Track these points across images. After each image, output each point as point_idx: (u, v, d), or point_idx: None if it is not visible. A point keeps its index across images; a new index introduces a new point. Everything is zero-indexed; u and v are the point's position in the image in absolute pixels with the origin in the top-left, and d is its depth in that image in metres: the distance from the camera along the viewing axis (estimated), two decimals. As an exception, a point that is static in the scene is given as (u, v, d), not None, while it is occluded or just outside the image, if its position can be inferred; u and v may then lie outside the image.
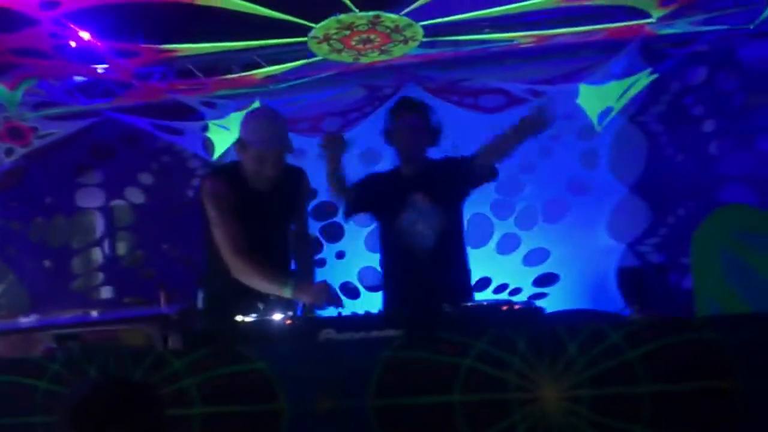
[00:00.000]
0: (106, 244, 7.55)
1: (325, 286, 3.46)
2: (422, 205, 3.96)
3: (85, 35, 4.64)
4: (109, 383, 2.19)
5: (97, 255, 7.60)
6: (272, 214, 3.79)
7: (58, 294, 7.19)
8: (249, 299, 3.46)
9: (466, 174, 4.18)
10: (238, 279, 3.56)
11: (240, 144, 3.76)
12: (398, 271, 4.23)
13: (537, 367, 2.66)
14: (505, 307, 3.18)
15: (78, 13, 4.31)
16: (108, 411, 2.02)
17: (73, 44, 4.76)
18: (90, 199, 7.54)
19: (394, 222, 4.02)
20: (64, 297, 7.17)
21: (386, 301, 4.29)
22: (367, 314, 3.25)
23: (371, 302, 5.85)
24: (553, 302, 6.31)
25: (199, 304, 3.90)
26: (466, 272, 4.32)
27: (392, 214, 4.04)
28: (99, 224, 7.58)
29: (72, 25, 4.48)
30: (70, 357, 3.21)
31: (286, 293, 3.41)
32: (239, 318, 3.23)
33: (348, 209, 4.40)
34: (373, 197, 4.29)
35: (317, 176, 6.78)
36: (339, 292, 3.64)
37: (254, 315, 3.30)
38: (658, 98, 6.64)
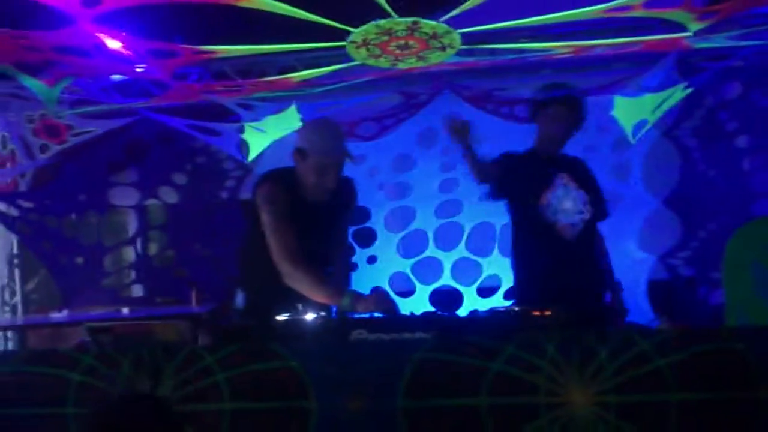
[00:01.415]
0: (138, 242, 7.63)
1: (384, 294, 3.48)
2: (570, 186, 4.04)
3: (120, 37, 4.70)
4: (130, 401, 2.24)
5: (129, 253, 7.68)
6: (325, 226, 3.81)
7: (89, 291, 7.28)
8: (289, 301, 3.47)
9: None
10: (291, 286, 3.57)
11: (299, 153, 3.74)
12: (537, 257, 4.20)
13: (566, 372, 2.67)
14: (535, 312, 3.19)
15: (118, 12, 4.36)
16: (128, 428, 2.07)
17: (111, 44, 4.81)
18: (124, 197, 7.62)
19: (536, 200, 4.05)
20: (96, 294, 7.26)
21: (520, 283, 4.30)
22: (399, 316, 3.27)
23: (402, 307, 5.89)
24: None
25: (238, 304, 3.92)
26: (602, 270, 4.36)
27: (534, 193, 4.09)
28: (132, 223, 7.66)
29: (112, 24, 4.54)
30: (103, 349, 3.24)
31: (344, 303, 3.40)
32: (278, 317, 3.26)
33: (493, 192, 4.44)
34: (512, 177, 4.28)
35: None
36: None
37: (289, 314, 3.32)
38: (692, 112, 6.64)
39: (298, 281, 3.57)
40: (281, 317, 3.26)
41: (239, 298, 3.90)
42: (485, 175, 4.33)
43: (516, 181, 4.25)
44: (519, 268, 4.37)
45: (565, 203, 4.05)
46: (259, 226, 3.72)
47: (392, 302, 3.40)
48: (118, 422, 2.10)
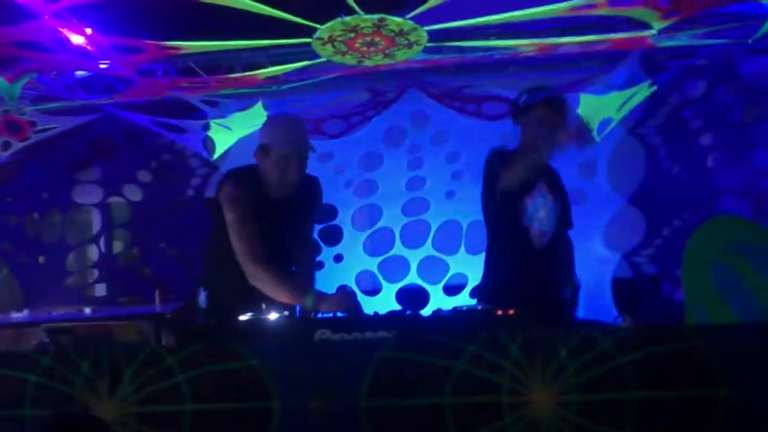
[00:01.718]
0: (102, 241, 7.54)
1: (348, 294, 3.46)
2: (547, 195, 4.10)
3: (87, 31, 4.64)
4: (64, 418, 2.21)
5: (93, 252, 7.60)
6: (289, 224, 3.77)
7: (51, 290, 7.19)
8: (253, 301, 3.45)
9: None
10: (255, 285, 3.53)
11: (262, 149, 3.71)
12: (509, 259, 4.22)
13: (529, 371, 2.67)
14: (499, 312, 3.19)
15: (81, 7, 4.31)
16: None
17: (75, 39, 4.75)
18: (87, 195, 7.53)
19: (516, 203, 4.08)
20: (58, 293, 7.17)
21: (488, 281, 4.32)
22: (362, 316, 3.26)
23: (368, 306, 5.86)
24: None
25: (201, 303, 3.89)
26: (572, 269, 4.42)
27: (515, 196, 4.08)
28: (96, 221, 7.57)
29: (75, 20, 4.49)
30: (63, 350, 3.19)
31: (307, 303, 3.37)
32: (241, 317, 3.23)
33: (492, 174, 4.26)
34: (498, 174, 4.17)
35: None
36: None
37: (252, 314, 3.29)
38: (657, 110, 6.70)
39: (261, 281, 3.53)
40: (244, 317, 3.24)
41: (202, 297, 3.87)
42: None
43: (500, 180, 4.14)
44: (489, 266, 4.39)
45: (541, 212, 4.09)
46: (222, 225, 3.66)
47: (356, 302, 3.37)
48: None
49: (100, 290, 7.51)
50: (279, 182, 3.71)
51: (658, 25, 4.69)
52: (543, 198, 4.11)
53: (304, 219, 3.97)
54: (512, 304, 3.25)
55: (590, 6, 4.32)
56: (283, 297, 3.49)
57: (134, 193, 7.47)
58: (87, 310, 6.50)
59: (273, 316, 3.22)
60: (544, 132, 4.04)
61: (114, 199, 7.54)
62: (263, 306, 3.35)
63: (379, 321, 3.13)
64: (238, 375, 2.77)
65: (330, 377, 2.74)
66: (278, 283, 3.50)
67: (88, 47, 4.78)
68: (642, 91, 5.89)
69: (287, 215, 3.77)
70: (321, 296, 3.40)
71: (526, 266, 4.13)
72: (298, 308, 3.62)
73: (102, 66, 5.45)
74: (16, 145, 6.57)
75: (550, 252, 4.18)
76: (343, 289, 3.57)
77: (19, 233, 7.34)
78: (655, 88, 5.89)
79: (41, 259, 7.38)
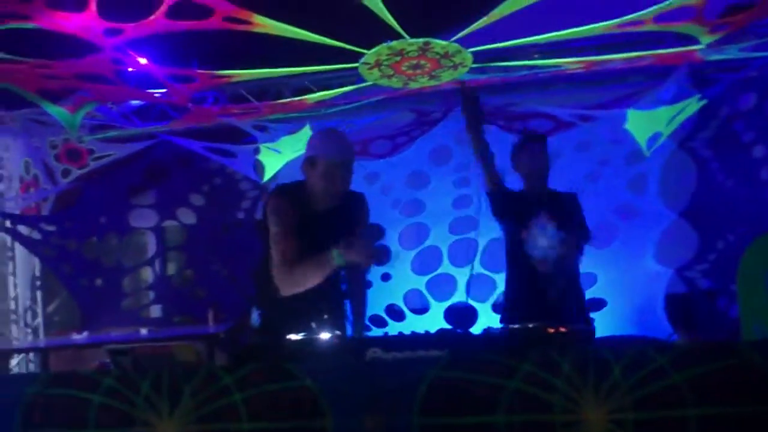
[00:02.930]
0: (157, 263, 7.70)
1: (368, 234, 3.57)
2: (548, 225, 4.24)
3: (143, 61, 4.77)
4: None
5: (148, 274, 7.75)
6: (332, 236, 3.67)
7: (109, 312, 7.33)
8: (304, 320, 3.49)
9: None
10: (286, 290, 3.55)
11: (309, 161, 3.74)
12: (522, 285, 4.47)
13: (582, 390, 2.67)
14: (551, 330, 3.20)
15: (138, 40, 4.44)
16: None
17: (132, 69, 4.89)
18: (143, 219, 7.70)
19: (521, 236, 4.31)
20: (115, 315, 7.32)
21: (508, 308, 4.54)
22: (413, 334, 3.29)
23: (417, 324, 5.89)
24: (600, 328, 6.27)
25: (254, 323, 3.94)
26: (581, 294, 4.60)
27: (521, 227, 4.34)
28: (151, 244, 7.73)
29: (132, 52, 4.61)
30: (124, 371, 3.27)
31: (337, 261, 3.39)
32: (292, 337, 3.28)
33: (494, 210, 4.67)
34: (511, 208, 4.55)
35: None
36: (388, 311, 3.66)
37: (304, 333, 3.34)
38: (707, 124, 6.62)
39: (287, 278, 3.55)
40: (296, 336, 3.29)
41: (255, 317, 3.92)
42: (493, 178, 4.61)
43: (508, 215, 4.54)
44: (506, 289, 4.62)
45: (541, 240, 4.24)
46: (269, 241, 3.72)
47: (378, 236, 3.41)
48: None
49: (155, 311, 7.64)
50: (325, 193, 3.72)
51: (705, 39, 4.67)
52: (542, 227, 4.26)
53: (349, 233, 3.97)
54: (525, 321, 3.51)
55: (636, 23, 4.32)
56: (314, 276, 3.50)
57: (188, 217, 7.60)
58: (143, 331, 6.61)
59: (325, 335, 3.26)
60: (540, 163, 4.51)
61: (168, 223, 7.70)
62: (313, 325, 3.40)
63: (430, 339, 3.16)
64: (292, 394, 2.82)
65: (382, 396, 2.77)
66: (302, 268, 3.52)
67: (148, 65, 4.90)
68: (692, 105, 5.85)
69: (332, 228, 3.72)
70: (345, 249, 3.42)
71: (532, 288, 4.34)
72: (348, 329, 3.66)
73: (157, 95, 5.58)
74: (76, 172, 6.75)
75: (559, 275, 4.36)
76: (364, 232, 3.55)
77: (78, 257, 7.49)
78: (705, 101, 5.85)
79: (99, 282, 7.51)
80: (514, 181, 4.66)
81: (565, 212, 4.46)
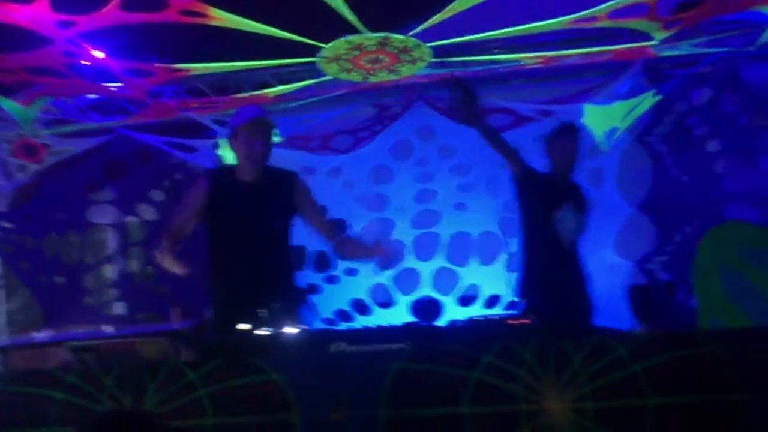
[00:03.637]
0: (118, 260, 7.62)
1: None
2: (576, 210, 4.67)
3: (99, 54, 4.73)
4: (113, 418, 2.26)
5: (110, 271, 7.67)
6: (261, 208, 3.92)
7: (71, 310, 7.23)
8: (248, 305, 3.51)
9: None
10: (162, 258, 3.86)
11: (230, 135, 4.03)
12: (547, 262, 4.69)
13: (543, 380, 2.72)
14: (512, 321, 3.24)
15: (93, 33, 4.40)
16: None
17: (87, 63, 4.84)
18: (102, 215, 7.61)
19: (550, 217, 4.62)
20: (78, 313, 7.21)
21: (529, 282, 4.76)
22: (378, 327, 3.32)
23: (383, 318, 5.92)
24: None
25: (207, 317, 4.01)
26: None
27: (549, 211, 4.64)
28: (111, 241, 7.64)
29: (86, 45, 4.57)
30: (87, 368, 3.26)
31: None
32: (242, 326, 3.31)
33: (521, 192, 4.80)
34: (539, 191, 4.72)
35: (327, 193, 6.87)
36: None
37: (258, 323, 3.36)
38: (663, 119, 6.71)
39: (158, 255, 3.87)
40: (244, 326, 3.31)
41: (208, 312, 3.98)
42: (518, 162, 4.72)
43: (537, 197, 4.70)
44: (529, 269, 4.79)
45: (571, 223, 4.61)
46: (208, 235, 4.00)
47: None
48: None
49: (118, 309, 7.56)
50: (246, 160, 3.94)
51: (659, 35, 4.75)
52: (572, 212, 4.66)
53: (278, 207, 4.02)
54: (552, 299, 4.02)
55: (591, 19, 4.39)
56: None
57: (148, 213, 7.53)
58: (107, 329, 6.55)
59: (291, 330, 3.28)
60: (568, 155, 4.76)
61: (129, 219, 7.62)
62: (259, 312, 3.42)
63: (394, 332, 3.19)
64: (259, 389, 2.84)
65: (349, 389, 2.80)
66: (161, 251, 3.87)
67: (106, 60, 4.86)
68: (647, 100, 5.94)
69: (259, 198, 3.94)
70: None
71: (560, 267, 4.67)
72: (309, 321, 3.73)
73: (113, 89, 5.53)
74: (32, 168, 6.66)
75: (577, 254, 4.76)
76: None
77: (37, 254, 7.41)
78: (660, 96, 5.94)
79: (60, 280, 7.43)
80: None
81: (582, 200, 4.85)
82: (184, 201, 4.06)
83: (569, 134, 4.80)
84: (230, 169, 4.16)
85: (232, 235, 3.96)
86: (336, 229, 4.40)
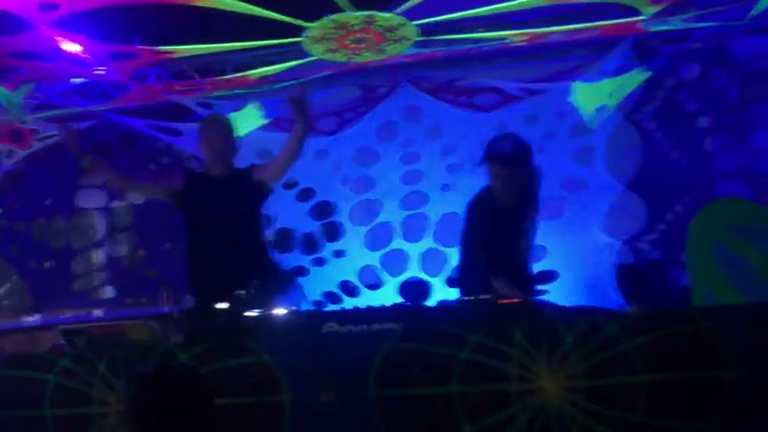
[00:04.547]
0: (107, 244, 7.59)
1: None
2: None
3: (79, 41, 4.69)
4: (164, 371, 2.29)
5: (99, 255, 7.65)
6: (227, 197, 4.45)
7: (60, 294, 7.23)
8: (221, 286, 3.79)
9: None
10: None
11: (200, 140, 4.74)
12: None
13: (536, 359, 2.70)
14: (502, 301, 3.23)
15: (76, 16, 4.34)
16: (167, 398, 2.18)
17: (68, 48, 4.79)
18: (90, 199, 7.58)
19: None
20: (67, 297, 7.20)
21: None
22: (368, 308, 3.30)
23: (371, 300, 5.90)
24: (551, 299, 6.34)
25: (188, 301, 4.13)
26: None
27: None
28: (100, 225, 7.61)
29: (69, 28, 4.52)
30: (79, 351, 3.25)
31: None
32: (220, 306, 3.35)
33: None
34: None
35: (313, 175, 6.83)
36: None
37: (236, 303, 3.39)
38: (652, 95, 6.66)
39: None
40: (222, 305, 3.34)
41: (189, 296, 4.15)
42: None
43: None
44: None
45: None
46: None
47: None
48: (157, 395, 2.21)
49: (107, 293, 7.55)
50: (213, 158, 4.63)
51: (648, 10, 4.71)
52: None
53: (242, 198, 4.54)
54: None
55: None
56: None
57: (136, 196, 7.48)
58: (96, 313, 6.51)
59: (281, 311, 3.27)
60: (499, 185, 4.61)
61: (117, 203, 7.58)
62: (240, 293, 3.50)
63: (384, 313, 3.17)
64: (249, 370, 2.82)
65: (339, 369, 2.79)
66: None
67: (84, 55, 4.82)
68: (636, 77, 5.91)
69: (224, 189, 4.51)
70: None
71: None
72: (298, 302, 3.80)
73: (97, 73, 5.47)
74: (19, 154, 6.62)
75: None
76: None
77: (25, 239, 7.42)
78: (649, 73, 5.91)
79: (48, 264, 7.45)
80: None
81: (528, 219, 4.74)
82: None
83: (497, 166, 4.60)
84: (201, 170, 4.88)
85: (203, 223, 4.51)
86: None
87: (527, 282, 4.73)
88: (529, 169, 4.68)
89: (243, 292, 3.55)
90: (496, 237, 4.50)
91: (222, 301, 3.46)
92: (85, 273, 7.67)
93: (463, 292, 4.56)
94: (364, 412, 2.75)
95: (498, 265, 4.38)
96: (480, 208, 4.77)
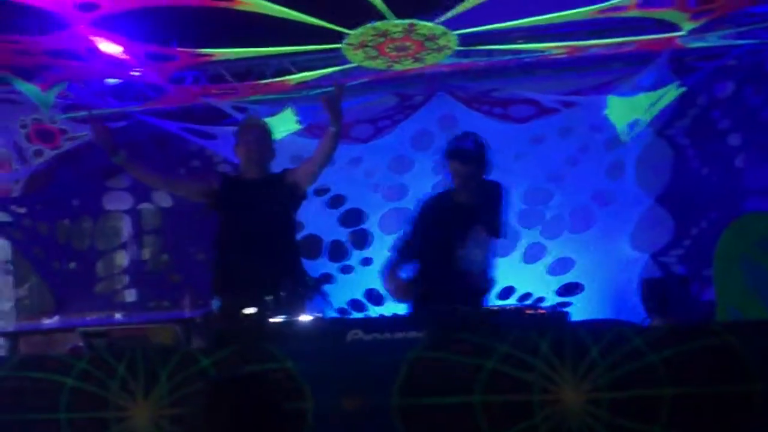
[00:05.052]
0: (132, 247, 7.59)
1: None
2: (481, 237, 4.27)
3: (118, 42, 4.72)
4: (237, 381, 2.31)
5: (123, 258, 7.63)
6: (261, 201, 4.34)
7: (82, 296, 7.20)
8: (250, 290, 3.78)
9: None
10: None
11: (236, 144, 4.57)
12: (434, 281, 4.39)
13: (559, 370, 2.68)
14: (529, 311, 3.20)
15: (115, 16, 4.37)
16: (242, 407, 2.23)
17: (107, 49, 4.81)
18: (117, 202, 7.56)
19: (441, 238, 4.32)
20: (88, 299, 7.18)
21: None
22: (393, 316, 3.28)
23: (396, 309, 5.88)
24: (576, 312, 6.28)
25: (214, 305, 4.13)
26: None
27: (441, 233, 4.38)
28: (126, 227, 7.61)
29: (108, 29, 4.54)
30: (98, 354, 3.24)
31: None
32: (248, 311, 3.34)
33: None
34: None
35: (346, 183, 6.80)
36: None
37: (264, 309, 3.38)
38: (685, 111, 6.62)
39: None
40: (250, 311, 3.33)
41: (215, 301, 4.12)
42: None
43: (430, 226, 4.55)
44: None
45: (477, 254, 4.28)
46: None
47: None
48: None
49: (130, 296, 7.53)
50: (247, 161, 4.47)
51: (687, 26, 4.68)
52: (476, 241, 4.31)
53: (276, 201, 4.42)
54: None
55: (620, 8, 4.32)
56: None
57: (164, 199, 7.47)
58: (117, 316, 6.54)
59: (305, 318, 3.25)
60: (456, 181, 4.48)
61: (144, 206, 7.57)
62: (268, 300, 3.49)
63: (410, 321, 3.15)
64: (272, 376, 2.80)
65: (362, 377, 2.77)
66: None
67: (124, 56, 4.84)
68: (671, 92, 5.87)
69: (259, 192, 4.39)
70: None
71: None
72: (323, 309, 3.80)
73: (134, 74, 5.50)
74: (48, 153, 6.64)
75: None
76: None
77: (49, 240, 7.36)
78: (684, 89, 5.86)
79: (72, 265, 7.39)
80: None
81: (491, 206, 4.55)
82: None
83: (453, 160, 4.51)
84: (236, 174, 4.74)
85: (237, 225, 4.39)
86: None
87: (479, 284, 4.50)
88: (487, 168, 4.57)
89: (271, 296, 3.54)
90: (453, 233, 4.33)
91: (250, 304, 3.44)
92: (108, 275, 7.66)
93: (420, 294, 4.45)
94: (386, 421, 2.73)
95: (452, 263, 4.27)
96: (437, 204, 4.71)
